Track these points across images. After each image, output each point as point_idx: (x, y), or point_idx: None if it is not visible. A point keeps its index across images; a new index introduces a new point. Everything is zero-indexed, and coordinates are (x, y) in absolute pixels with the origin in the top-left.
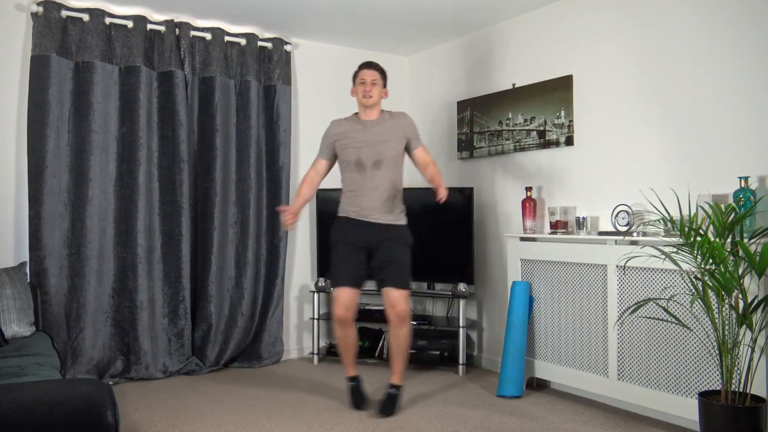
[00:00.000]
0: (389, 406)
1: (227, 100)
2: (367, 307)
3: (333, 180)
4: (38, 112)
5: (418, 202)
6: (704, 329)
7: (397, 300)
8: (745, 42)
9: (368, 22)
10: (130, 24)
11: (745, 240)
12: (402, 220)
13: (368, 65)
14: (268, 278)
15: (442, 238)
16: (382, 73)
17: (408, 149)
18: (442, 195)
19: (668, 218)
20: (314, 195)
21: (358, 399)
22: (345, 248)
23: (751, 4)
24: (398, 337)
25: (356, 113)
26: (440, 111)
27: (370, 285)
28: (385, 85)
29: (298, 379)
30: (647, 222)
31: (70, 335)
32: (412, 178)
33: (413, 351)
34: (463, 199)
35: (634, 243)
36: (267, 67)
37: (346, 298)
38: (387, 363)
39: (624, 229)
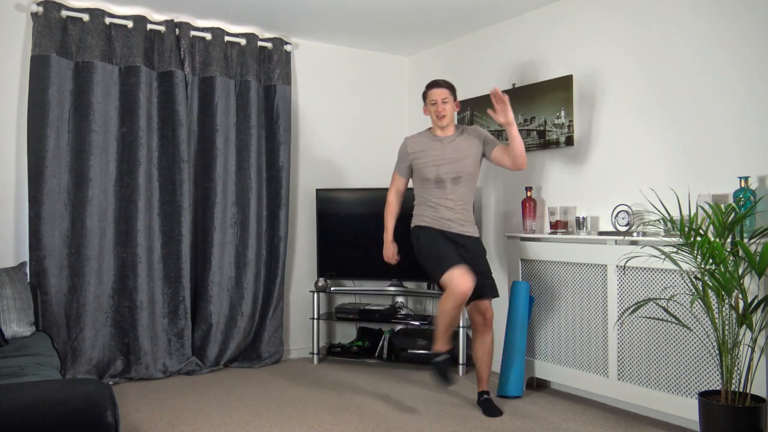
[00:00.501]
0: (493, 409)
1: (227, 100)
2: (367, 307)
3: (333, 181)
4: (38, 112)
5: None
6: (704, 329)
7: (487, 307)
8: (745, 42)
9: (368, 22)
10: (130, 24)
11: (745, 240)
12: (477, 233)
13: (436, 84)
14: (268, 278)
15: None
16: (451, 89)
17: (487, 154)
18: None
19: (668, 218)
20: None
21: (448, 373)
22: (440, 243)
23: (752, 4)
24: (485, 344)
25: (430, 128)
26: None
27: (369, 285)
28: (455, 99)
29: (298, 379)
30: (647, 222)
31: (70, 335)
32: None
33: (413, 351)
34: None
35: (634, 243)
36: (267, 67)
37: (466, 272)
38: (389, 363)
39: (624, 229)
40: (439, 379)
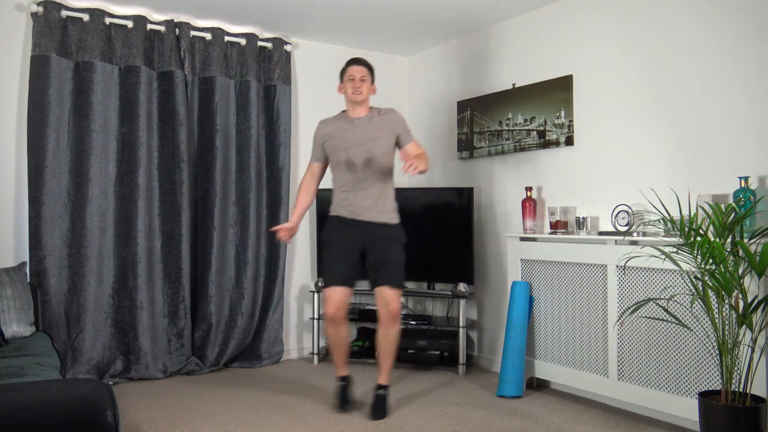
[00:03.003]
0: (381, 408)
1: (227, 100)
2: (367, 307)
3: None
4: (38, 112)
5: (418, 202)
6: (704, 329)
7: (391, 298)
8: (745, 42)
9: (368, 22)
10: (130, 24)
11: (745, 240)
12: (395, 219)
13: (356, 61)
14: (268, 278)
15: (442, 238)
16: (371, 69)
17: (399, 145)
18: (412, 165)
19: (668, 218)
20: (314, 200)
21: (343, 400)
22: (338, 248)
23: (751, 4)
24: (388, 336)
25: (344, 111)
26: (440, 111)
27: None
28: (373, 82)
29: (298, 379)
30: (647, 222)
31: (70, 335)
32: (411, 179)
33: (413, 351)
34: (463, 199)
35: (634, 243)
36: (267, 67)
37: (337, 297)
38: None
39: (624, 229)
40: (336, 404)
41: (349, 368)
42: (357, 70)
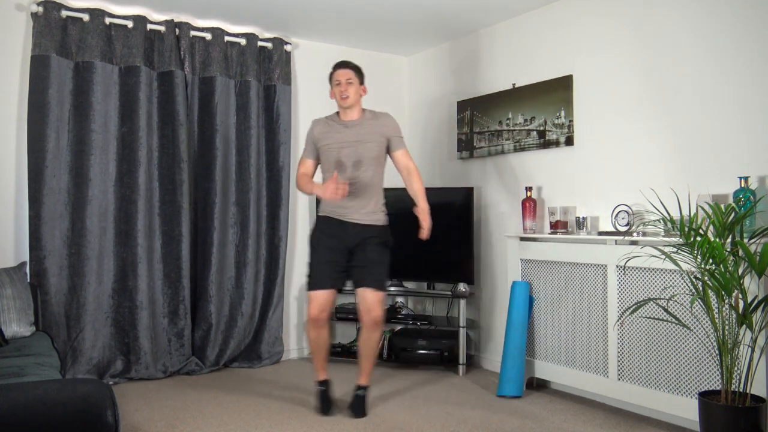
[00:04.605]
0: (360, 407)
1: (227, 100)
2: None
3: None
4: (38, 112)
5: None
6: (704, 329)
7: (372, 305)
8: (745, 42)
9: (368, 22)
10: (130, 24)
11: (745, 240)
12: (382, 221)
13: (341, 65)
14: (268, 278)
15: (442, 238)
16: (357, 71)
17: (389, 150)
18: (426, 231)
19: (668, 218)
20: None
21: (326, 405)
22: (324, 250)
23: (752, 3)
24: (370, 341)
25: (338, 112)
26: (440, 111)
27: None
28: (362, 83)
29: (298, 379)
30: (647, 222)
31: (70, 335)
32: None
33: (413, 351)
34: (463, 199)
35: (634, 243)
36: (267, 67)
37: (321, 299)
38: (389, 363)
39: (624, 229)
40: (318, 408)
41: (328, 372)
42: (342, 74)
